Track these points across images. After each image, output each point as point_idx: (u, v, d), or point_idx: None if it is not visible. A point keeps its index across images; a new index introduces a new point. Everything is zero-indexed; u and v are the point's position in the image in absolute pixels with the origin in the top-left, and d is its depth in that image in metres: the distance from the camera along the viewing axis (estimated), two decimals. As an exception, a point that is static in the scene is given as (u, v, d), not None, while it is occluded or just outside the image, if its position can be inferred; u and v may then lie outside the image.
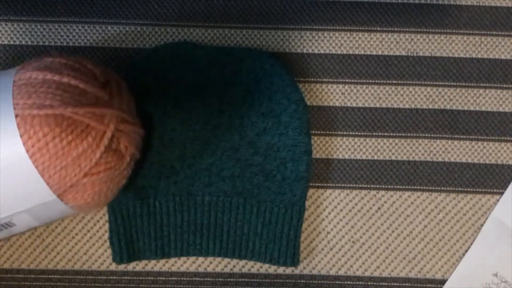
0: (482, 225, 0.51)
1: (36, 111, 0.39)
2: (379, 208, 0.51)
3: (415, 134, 0.51)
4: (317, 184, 0.50)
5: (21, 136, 0.39)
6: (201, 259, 0.50)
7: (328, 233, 0.50)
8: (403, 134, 0.51)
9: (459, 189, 0.51)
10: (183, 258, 0.50)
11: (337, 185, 0.51)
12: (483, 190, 0.51)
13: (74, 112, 0.40)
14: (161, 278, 0.50)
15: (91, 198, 0.42)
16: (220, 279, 0.50)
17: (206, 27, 0.51)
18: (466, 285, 0.50)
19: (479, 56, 0.51)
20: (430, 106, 0.51)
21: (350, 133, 0.51)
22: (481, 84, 0.51)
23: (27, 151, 0.39)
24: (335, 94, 0.51)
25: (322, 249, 0.50)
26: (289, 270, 0.50)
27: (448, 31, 0.51)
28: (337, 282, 0.50)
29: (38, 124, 0.39)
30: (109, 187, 0.43)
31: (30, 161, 0.39)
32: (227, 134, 0.49)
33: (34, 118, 0.39)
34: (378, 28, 0.51)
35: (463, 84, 0.51)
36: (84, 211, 0.44)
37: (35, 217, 0.42)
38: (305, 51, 0.51)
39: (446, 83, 0.51)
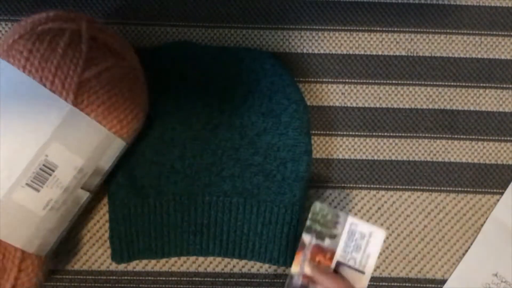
0: (482, 225, 0.51)
1: (11, 39, 0.42)
2: (379, 208, 0.51)
3: (415, 134, 0.51)
4: (317, 184, 0.50)
5: (8, 62, 0.41)
6: (201, 259, 0.50)
7: (328, 233, 0.50)
8: (403, 134, 0.51)
9: (459, 189, 0.51)
10: (183, 258, 0.50)
11: (337, 185, 0.51)
12: (483, 190, 0.51)
13: (44, 23, 0.42)
14: (161, 278, 0.50)
15: (107, 98, 0.42)
16: (220, 279, 0.50)
17: (206, 27, 0.51)
18: (466, 285, 0.50)
19: (479, 56, 0.51)
20: (430, 106, 0.51)
21: (350, 133, 0.51)
22: (481, 84, 0.51)
23: (19, 68, 0.40)
24: (335, 94, 0.51)
25: (322, 249, 0.50)
26: (289, 270, 0.50)
27: (448, 31, 0.51)
28: (337, 282, 0.50)
29: (16, 44, 0.41)
30: (120, 88, 0.42)
31: (24, 74, 0.40)
32: (227, 134, 0.49)
33: (13, 44, 0.41)
34: (378, 28, 0.51)
35: (463, 84, 0.51)
36: (115, 128, 0.43)
37: (69, 146, 0.41)
38: (305, 51, 0.51)
39: (446, 83, 0.51)
